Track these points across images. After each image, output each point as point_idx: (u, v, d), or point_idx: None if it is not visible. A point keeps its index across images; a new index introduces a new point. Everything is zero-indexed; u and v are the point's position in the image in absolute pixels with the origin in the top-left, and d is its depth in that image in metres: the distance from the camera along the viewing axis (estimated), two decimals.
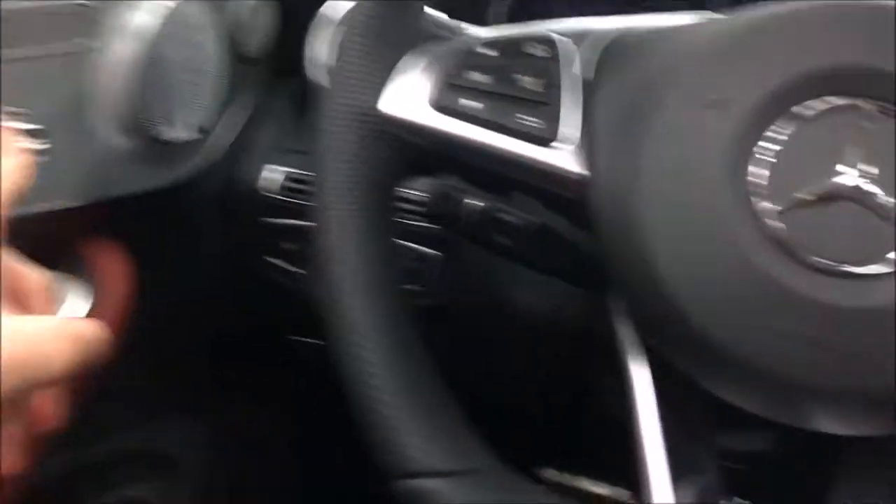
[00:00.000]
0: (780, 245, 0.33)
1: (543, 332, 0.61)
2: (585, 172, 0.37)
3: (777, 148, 0.34)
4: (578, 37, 0.40)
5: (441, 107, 0.39)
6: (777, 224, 0.34)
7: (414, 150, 0.40)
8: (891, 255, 0.33)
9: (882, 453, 0.36)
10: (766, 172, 0.34)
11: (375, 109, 0.39)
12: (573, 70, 0.39)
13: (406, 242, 0.60)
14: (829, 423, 0.35)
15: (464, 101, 0.39)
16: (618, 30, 0.40)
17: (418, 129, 0.39)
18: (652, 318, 0.37)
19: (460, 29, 0.42)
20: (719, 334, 0.34)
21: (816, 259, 0.33)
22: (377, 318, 0.38)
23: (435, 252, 0.59)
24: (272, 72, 0.65)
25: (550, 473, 0.88)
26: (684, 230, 0.34)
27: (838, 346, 0.32)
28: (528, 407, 0.71)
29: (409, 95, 0.39)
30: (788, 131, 0.34)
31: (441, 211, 0.48)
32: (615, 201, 0.36)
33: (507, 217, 0.48)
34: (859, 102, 0.34)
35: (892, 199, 0.33)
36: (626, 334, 0.39)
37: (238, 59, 0.61)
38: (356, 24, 0.40)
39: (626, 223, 0.35)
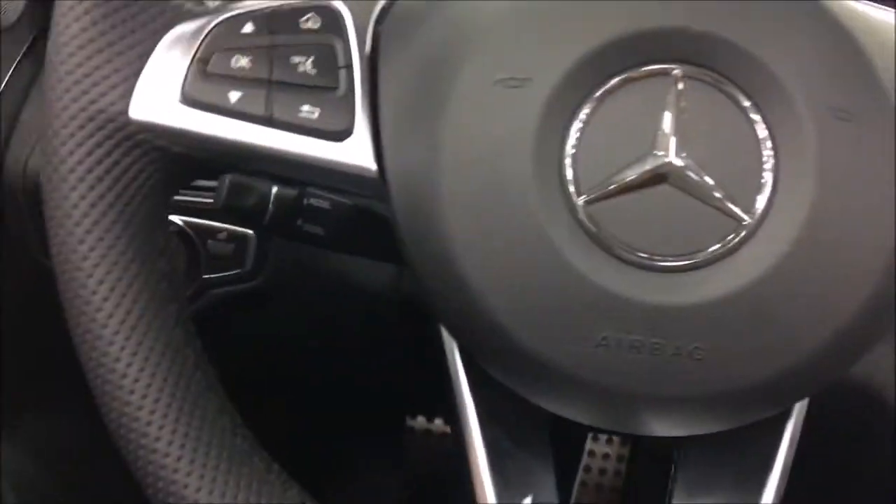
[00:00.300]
0: (598, 242, 0.29)
1: (383, 300, 0.56)
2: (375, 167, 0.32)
3: (588, 130, 0.29)
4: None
5: (198, 103, 0.32)
6: (593, 218, 0.29)
7: (182, 158, 0.33)
8: (713, 248, 0.29)
9: None
10: (579, 158, 0.29)
11: (125, 115, 0.32)
12: (367, 44, 0.33)
13: (212, 223, 0.53)
14: (664, 428, 0.32)
15: (232, 94, 0.32)
16: None
17: (178, 135, 0.32)
18: (463, 328, 0.32)
19: None
20: (536, 344, 0.30)
21: (635, 255, 0.29)
22: (143, 366, 0.32)
23: (246, 230, 0.53)
24: (35, 36, 0.55)
25: (418, 422, 0.86)
26: (491, 232, 0.30)
27: (665, 349, 0.29)
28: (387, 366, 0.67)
29: (161, 92, 0.32)
30: (599, 110, 0.29)
31: (235, 205, 0.41)
32: (411, 200, 0.31)
33: (315, 202, 0.42)
34: (669, 68, 0.29)
35: (709, 180, 0.29)
36: (447, 339, 0.35)
37: None
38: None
39: (426, 225, 0.30)
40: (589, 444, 0.89)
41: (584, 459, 0.89)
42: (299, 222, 0.42)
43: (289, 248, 0.54)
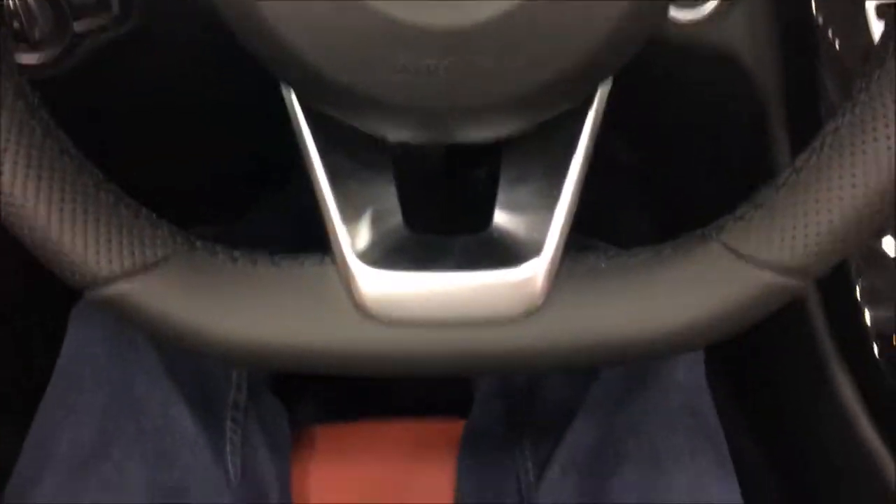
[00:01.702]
0: None
1: None
2: None
3: None
4: None
5: None
6: None
7: None
8: None
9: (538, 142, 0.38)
10: None
11: None
12: None
13: None
14: (476, 134, 0.36)
15: None
16: None
17: None
18: (283, 71, 0.36)
19: None
20: (344, 76, 0.33)
21: None
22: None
23: None
24: None
25: None
26: None
27: (458, 67, 0.32)
28: None
29: None
30: None
31: None
32: None
33: None
34: None
35: None
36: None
37: None
38: None
39: None
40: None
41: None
42: None
43: None
